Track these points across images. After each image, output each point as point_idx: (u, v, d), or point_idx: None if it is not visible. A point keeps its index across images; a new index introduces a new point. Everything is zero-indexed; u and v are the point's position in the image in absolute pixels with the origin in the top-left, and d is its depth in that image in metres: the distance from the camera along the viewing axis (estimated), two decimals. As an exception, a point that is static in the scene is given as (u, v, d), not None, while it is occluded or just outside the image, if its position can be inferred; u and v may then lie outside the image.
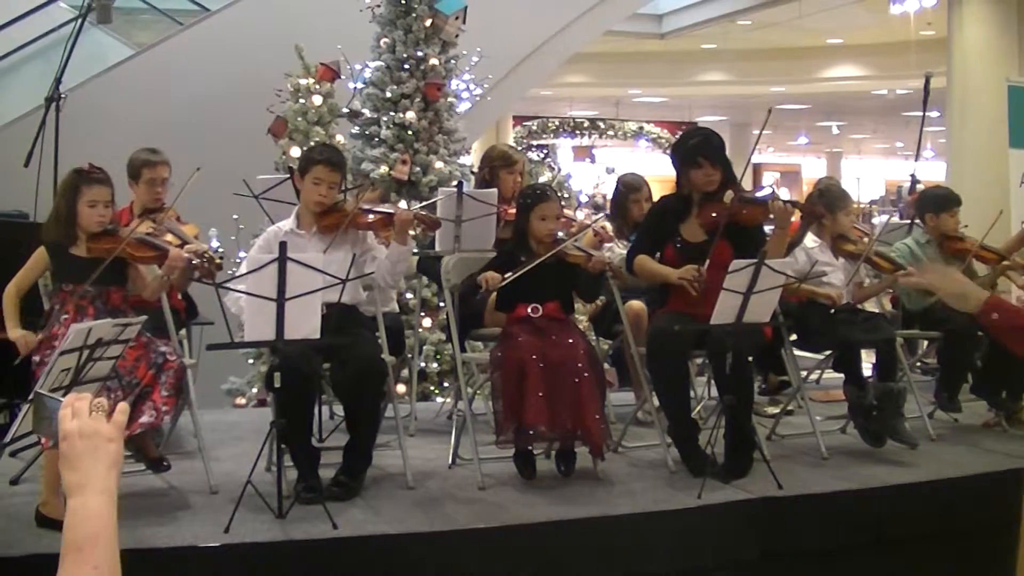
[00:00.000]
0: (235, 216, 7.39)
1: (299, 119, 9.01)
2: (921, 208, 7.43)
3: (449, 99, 9.14)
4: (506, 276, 5.62)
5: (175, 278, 5.70)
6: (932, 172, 22.18)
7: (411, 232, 7.35)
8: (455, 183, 7.36)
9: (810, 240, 6.64)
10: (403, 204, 7.83)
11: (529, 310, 5.66)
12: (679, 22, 20.31)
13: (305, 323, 4.90)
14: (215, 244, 7.32)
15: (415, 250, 7.83)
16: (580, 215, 10.16)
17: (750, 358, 5.90)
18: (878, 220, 9.97)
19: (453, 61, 9.21)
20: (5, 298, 5.18)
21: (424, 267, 7.31)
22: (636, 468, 5.95)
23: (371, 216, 5.69)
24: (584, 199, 21.71)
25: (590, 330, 7.17)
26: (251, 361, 8.84)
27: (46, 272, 5.27)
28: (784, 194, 6.53)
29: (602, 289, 6.22)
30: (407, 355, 7.20)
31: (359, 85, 9.23)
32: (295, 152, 8.60)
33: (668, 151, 6.60)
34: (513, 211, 6.27)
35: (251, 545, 4.61)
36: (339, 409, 6.39)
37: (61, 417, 2.07)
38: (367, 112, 9.14)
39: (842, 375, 6.48)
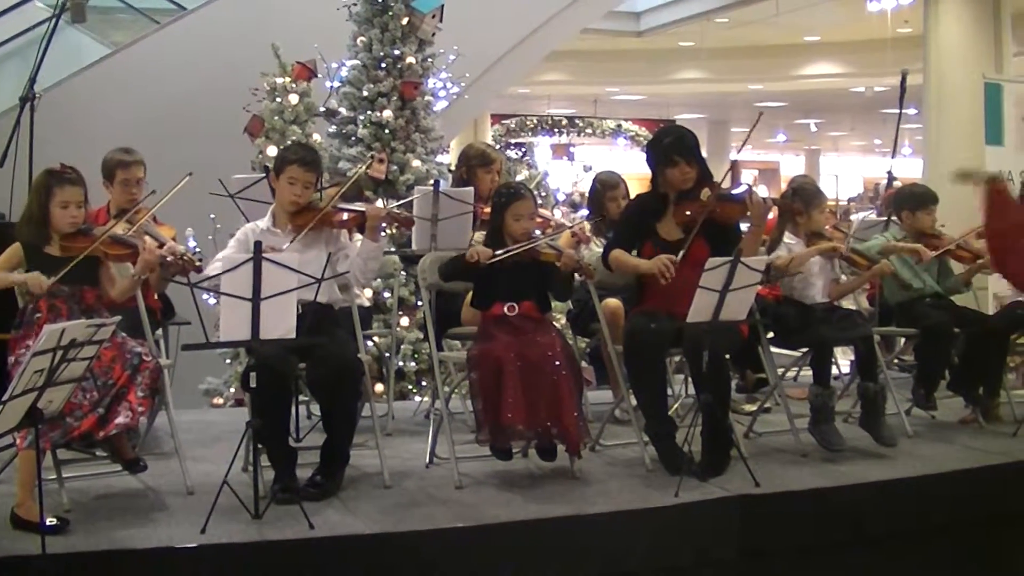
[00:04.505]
0: (212, 216, 7.36)
1: (276, 118, 8.99)
2: (898, 205, 7.44)
3: (426, 97, 9.14)
4: (496, 253, 5.61)
5: (152, 277, 5.68)
6: (910, 169, 22.22)
7: (390, 231, 7.36)
8: (432, 182, 7.34)
9: (787, 237, 6.64)
10: (379, 203, 7.81)
11: (505, 309, 5.65)
12: (656, 20, 20.32)
13: (281, 323, 4.88)
14: (192, 244, 7.29)
15: (392, 248, 7.84)
16: (557, 213, 10.17)
17: (727, 356, 5.91)
18: (855, 217, 10.05)
19: (430, 59, 9.21)
20: None
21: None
22: (613, 466, 5.95)
23: (344, 215, 5.67)
24: (562, 197, 21.73)
25: (567, 328, 7.16)
26: (228, 361, 8.83)
27: (20, 269, 5.21)
28: (762, 191, 6.52)
29: (574, 288, 6.19)
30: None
31: (336, 84, 9.23)
32: (272, 151, 8.58)
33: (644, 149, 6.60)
34: (489, 210, 6.26)
35: (228, 546, 4.60)
36: (316, 409, 6.38)
37: None
38: (344, 111, 9.13)
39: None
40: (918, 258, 7.05)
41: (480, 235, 6.45)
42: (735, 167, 6.88)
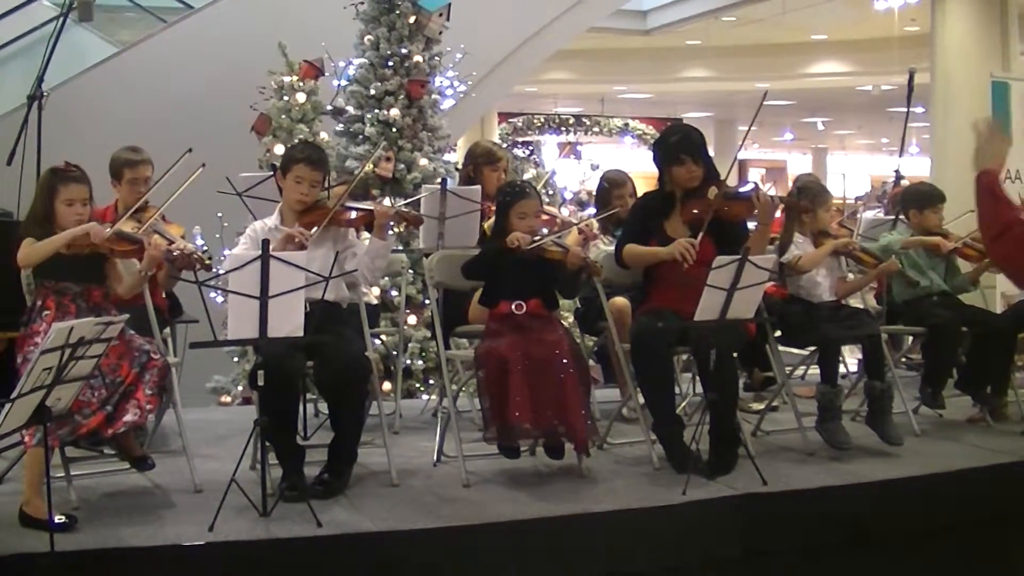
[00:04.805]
0: (219, 214, 7.37)
1: (283, 116, 9.01)
2: (905, 204, 7.44)
3: (433, 96, 9.16)
4: (535, 239, 5.63)
5: (160, 275, 5.67)
6: (917, 168, 22.19)
7: (398, 230, 7.35)
8: (439, 180, 7.35)
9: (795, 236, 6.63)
10: (387, 201, 7.82)
11: (512, 307, 5.65)
12: (663, 18, 20.28)
13: (288, 321, 4.87)
14: (199, 242, 7.30)
15: (400, 247, 7.84)
16: (565, 211, 10.16)
17: (734, 354, 5.91)
18: (868, 215, 10.04)
19: (437, 58, 9.22)
20: (29, 250, 5.00)
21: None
22: (621, 465, 5.95)
23: (352, 213, 5.68)
24: (569, 195, 21.72)
25: (575, 326, 7.16)
26: (236, 359, 8.83)
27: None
28: (770, 191, 6.51)
29: (581, 286, 6.19)
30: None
31: (343, 82, 9.25)
32: (279, 150, 8.59)
33: (651, 148, 6.60)
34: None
35: (235, 544, 4.60)
36: (324, 407, 6.38)
37: None
38: (351, 109, 9.15)
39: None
40: (939, 250, 7.06)
41: (490, 223, 6.44)
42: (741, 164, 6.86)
